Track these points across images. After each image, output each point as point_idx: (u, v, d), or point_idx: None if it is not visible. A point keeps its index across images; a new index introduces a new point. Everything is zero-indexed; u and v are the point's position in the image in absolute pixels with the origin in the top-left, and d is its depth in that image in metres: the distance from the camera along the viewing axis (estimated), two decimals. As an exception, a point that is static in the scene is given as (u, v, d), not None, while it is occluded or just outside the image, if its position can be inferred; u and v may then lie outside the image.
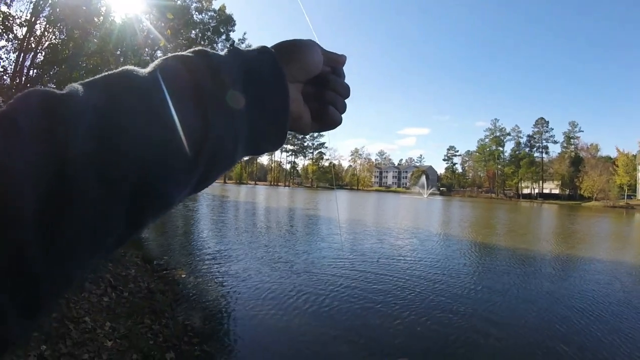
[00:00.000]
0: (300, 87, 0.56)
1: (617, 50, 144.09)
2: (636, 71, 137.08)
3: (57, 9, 8.21)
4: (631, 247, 19.47)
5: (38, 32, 8.31)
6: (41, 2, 8.02)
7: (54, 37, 8.51)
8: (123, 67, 0.40)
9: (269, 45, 0.54)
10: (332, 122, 0.61)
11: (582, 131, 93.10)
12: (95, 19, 9.57)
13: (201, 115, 0.41)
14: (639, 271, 12.12)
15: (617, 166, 73.80)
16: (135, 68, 0.41)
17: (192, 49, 0.47)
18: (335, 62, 0.61)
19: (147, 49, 24.68)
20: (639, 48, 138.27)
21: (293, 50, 0.54)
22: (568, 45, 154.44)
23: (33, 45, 8.16)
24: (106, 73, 0.38)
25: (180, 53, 0.46)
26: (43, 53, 8.43)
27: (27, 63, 8.22)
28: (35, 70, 8.43)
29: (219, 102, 0.43)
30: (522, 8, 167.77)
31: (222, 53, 0.49)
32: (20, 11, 8.01)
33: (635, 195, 72.80)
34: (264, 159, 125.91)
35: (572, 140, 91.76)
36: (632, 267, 12.63)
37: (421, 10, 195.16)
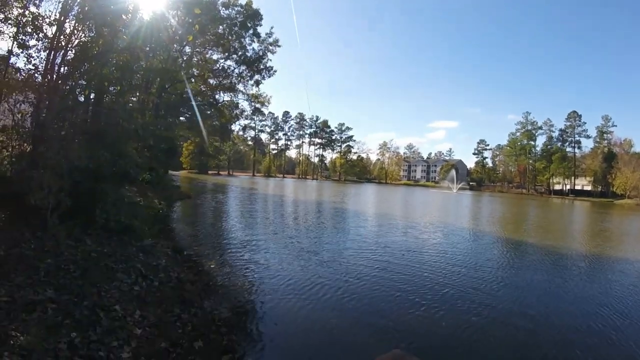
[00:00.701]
0: None
1: None
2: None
3: (86, 8, 8.42)
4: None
5: (67, 31, 8.55)
6: (70, 1, 8.25)
7: (83, 35, 8.73)
8: None
9: None
10: None
11: (616, 126, 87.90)
12: (123, 17, 9.76)
13: None
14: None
15: None
16: None
17: None
18: None
19: (175, 45, 25.23)
20: None
21: None
22: (602, 36, 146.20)
23: (63, 44, 8.40)
24: None
25: None
26: (73, 51, 8.67)
27: (58, 61, 8.47)
28: (66, 68, 8.70)
29: None
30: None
31: None
32: (49, 11, 8.26)
33: (670, 194, 68.78)
34: (292, 153, 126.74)
35: (605, 135, 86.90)
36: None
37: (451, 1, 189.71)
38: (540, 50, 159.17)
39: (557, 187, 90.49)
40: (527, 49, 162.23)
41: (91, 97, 10.41)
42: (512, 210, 36.27)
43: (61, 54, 8.32)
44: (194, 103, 30.84)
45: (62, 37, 8.21)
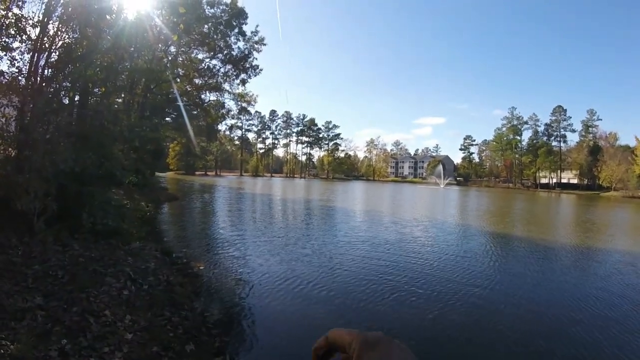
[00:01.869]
0: None
1: (636, 36, 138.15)
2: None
3: (70, 8, 8.29)
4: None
5: (51, 32, 8.39)
6: (53, 2, 8.11)
7: (67, 36, 8.59)
8: None
9: None
10: None
11: (601, 119, 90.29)
12: (107, 17, 9.65)
13: None
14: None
15: (637, 155, 71.08)
16: None
17: None
18: None
19: (160, 45, 24.95)
20: None
21: None
22: (586, 31, 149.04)
23: (47, 46, 8.25)
24: None
25: None
26: (57, 52, 8.53)
27: (42, 63, 8.33)
28: (50, 70, 8.55)
29: None
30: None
31: None
32: (33, 12, 8.08)
33: (655, 185, 70.55)
34: (279, 152, 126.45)
35: (590, 128, 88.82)
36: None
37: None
38: (526, 45, 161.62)
39: (544, 180, 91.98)
40: (513, 44, 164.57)
41: (76, 99, 10.25)
42: (499, 204, 36.81)
43: (45, 56, 8.18)
44: (180, 103, 30.52)
45: (45, 38, 8.07)
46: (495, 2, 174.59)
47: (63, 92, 9.30)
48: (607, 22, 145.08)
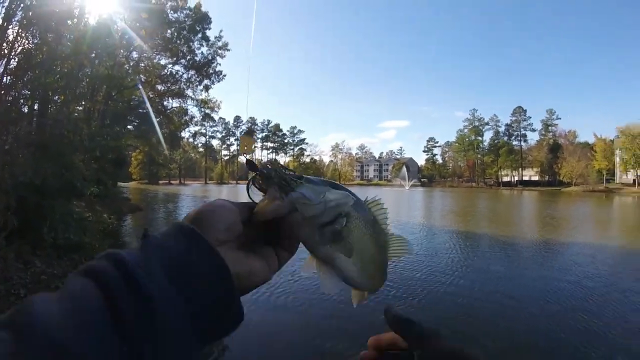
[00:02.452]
0: (233, 245, 0.52)
1: (591, 38, 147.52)
2: (610, 58, 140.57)
3: (30, 13, 7.88)
4: (611, 229, 20.06)
5: (10, 38, 7.97)
6: (13, 6, 7.69)
7: (27, 42, 8.16)
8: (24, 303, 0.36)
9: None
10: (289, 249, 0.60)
11: (560, 119, 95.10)
12: (68, 21, 9.26)
13: (127, 343, 0.36)
14: (614, 250, 12.52)
15: (596, 152, 75.66)
16: (41, 297, 0.36)
17: (101, 254, 0.42)
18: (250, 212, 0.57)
19: (122, 50, 24.12)
20: (612, 36, 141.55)
21: (206, 217, 0.50)
22: (542, 34, 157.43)
23: (6, 52, 7.82)
24: (11, 311, 0.35)
25: (88, 264, 0.41)
26: (16, 59, 8.10)
27: (0, 70, 7.88)
28: (8, 77, 8.10)
29: (144, 319, 0.38)
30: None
31: (135, 250, 0.44)
32: (-8, 17, 7.63)
33: (614, 180, 75.09)
34: (244, 158, 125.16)
35: (550, 127, 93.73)
36: (608, 247, 13.04)
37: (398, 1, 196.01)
38: (485, 47, 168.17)
39: (506, 179, 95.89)
40: (472, 46, 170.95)
41: (35, 107, 9.74)
42: (462, 203, 37.90)
43: (3, 62, 7.73)
44: (150, 109, 29.57)
45: (4, 44, 7.62)
46: (453, 5, 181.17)
47: (22, 100, 8.82)
48: (563, 22, 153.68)
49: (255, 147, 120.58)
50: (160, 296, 0.39)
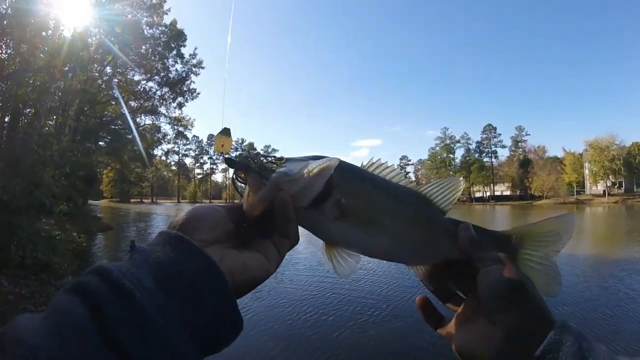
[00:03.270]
0: (226, 245, 0.51)
1: (557, 54, 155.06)
2: (577, 73, 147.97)
3: (5, 22, 7.64)
4: (583, 238, 20.74)
5: (-17, 47, 7.69)
6: (-13, 14, 7.45)
7: (0, 52, 7.89)
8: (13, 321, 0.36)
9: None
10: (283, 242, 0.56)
11: (529, 135, 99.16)
12: (43, 33, 9.02)
13: (116, 353, 0.35)
14: (583, 258, 12.89)
15: (565, 165, 78.99)
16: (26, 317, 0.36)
17: (89, 269, 0.40)
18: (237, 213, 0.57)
19: (96, 65, 23.61)
20: (578, 52, 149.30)
21: (189, 221, 0.50)
22: (509, 51, 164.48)
23: (-22, 60, 7.52)
24: None
25: (75, 281, 0.39)
26: (-12, 68, 7.80)
27: (-29, 79, 7.56)
28: (-21, 87, 7.77)
29: (133, 327, 0.36)
30: (466, 18, 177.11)
31: (123, 262, 0.42)
32: (-36, 25, 7.34)
33: (584, 191, 78.28)
34: (218, 177, 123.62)
35: (519, 143, 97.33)
36: (577, 256, 13.43)
37: (368, 20, 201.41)
38: (453, 66, 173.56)
39: (478, 194, 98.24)
40: (440, 65, 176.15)
41: (5, 120, 9.35)
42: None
43: (-25, 72, 7.42)
44: (129, 120, 28.89)
45: (-23, 53, 7.34)
46: (422, 25, 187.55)
47: (-8, 112, 8.46)
48: (530, 39, 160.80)
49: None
50: (150, 303, 0.38)
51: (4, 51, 7.91)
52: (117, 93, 26.41)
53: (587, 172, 76.58)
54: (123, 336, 0.35)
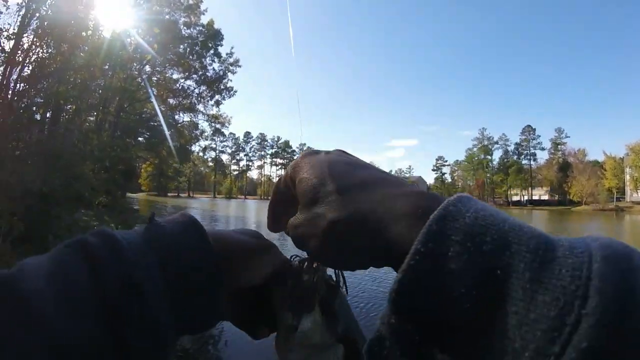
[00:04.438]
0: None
1: (601, 55, 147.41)
2: (620, 76, 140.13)
3: (45, 22, 8.08)
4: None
5: (25, 46, 8.15)
6: (29, 15, 7.89)
7: (41, 50, 8.34)
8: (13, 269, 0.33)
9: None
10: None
11: (569, 137, 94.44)
12: (83, 33, 9.46)
13: (112, 330, 0.32)
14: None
15: (605, 170, 74.69)
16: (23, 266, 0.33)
17: (94, 230, 0.37)
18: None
19: (135, 64, 24.62)
20: (623, 53, 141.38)
21: (238, 256, 0.45)
22: (552, 52, 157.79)
23: (20, 59, 7.99)
24: None
25: (80, 237, 0.36)
26: (30, 67, 8.27)
27: (14, 77, 8.04)
28: (22, 85, 8.26)
29: (131, 307, 0.34)
30: (504, 16, 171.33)
31: (137, 237, 0.38)
32: (8, 24, 7.83)
33: (624, 198, 73.75)
34: (253, 174, 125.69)
35: (559, 146, 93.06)
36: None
37: (404, 19, 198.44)
38: (492, 66, 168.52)
39: (515, 198, 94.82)
40: (478, 65, 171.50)
41: (47, 115, 9.90)
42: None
43: (17, 69, 7.88)
44: (160, 117, 29.92)
45: (19, 52, 7.80)
46: (457, 26, 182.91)
47: (34, 108, 8.97)
48: (573, 41, 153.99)
49: (264, 163, 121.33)
50: (145, 281, 0.35)
51: (44, 50, 8.35)
52: (149, 90, 27.29)
53: (628, 177, 72.12)
54: (124, 317, 0.33)
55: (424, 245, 0.27)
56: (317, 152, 0.45)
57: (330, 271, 0.49)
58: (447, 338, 0.26)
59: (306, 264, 0.49)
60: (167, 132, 32.18)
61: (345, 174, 0.39)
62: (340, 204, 0.37)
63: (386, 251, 0.33)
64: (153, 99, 28.09)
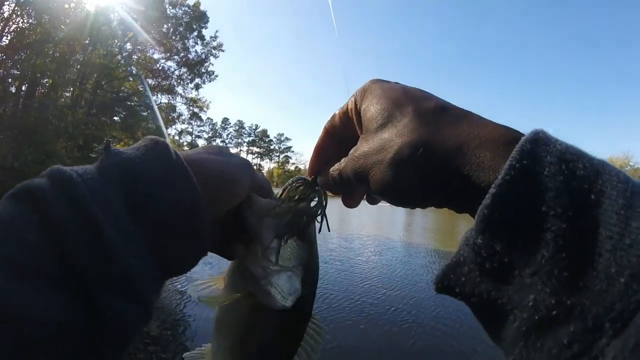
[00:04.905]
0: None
1: (595, 65, 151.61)
2: (597, 89, 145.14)
3: (27, -9, 7.70)
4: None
5: (6, 14, 7.74)
6: (11, -18, 7.49)
7: (22, 20, 7.94)
8: None
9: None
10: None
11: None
12: (66, 5, 9.06)
13: (78, 297, 0.27)
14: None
15: None
16: None
17: (46, 171, 0.30)
18: (260, 190, 0.48)
19: (116, 41, 23.80)
20: (602, 63, 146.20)
21: (218, 184, 0.40)
22: (546, 57, 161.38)
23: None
24: None
25: (26, 183, 0.29)
26: (9, 37, 7.86)
27: (-9, 46, 7.64)
28: (-1, 55, 7.86)
29: (100, 269, 0.28)
30: (506, 13, 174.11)
31: (92, 168, 0.31)
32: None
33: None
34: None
35: None
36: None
37: (409, 13, 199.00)
38: (499, 60, 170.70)
39: None
40: (487, 59, 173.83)
41: (22, 89, 9.45)
42: (445, 224, 38.14)
43: (-5, 39, 7.49)
44: (150, 96, 29.05)
45: (-2, 21, 7.40)
46: (471, 20, 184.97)
47: (10, 80, 8.54)
48: (570, 46, 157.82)
49: (241, 150, 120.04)
50: (115, 236, 0.29)
51: (25, 20, 7.95)
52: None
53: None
54: (88, 281, 0.27)
55: (519, 162, 0.26)
56: (387, 80, 0.40)
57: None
58: (538, 260, 0.24)
59: (302, 188, 0.49)
60: (156, 109, 31.37)
61: (425, 99, 0.36)
62: (417, 127, 0.33)
63: (464, 181, 0.30)
64: (143, 80, 27.31)
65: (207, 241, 0.36)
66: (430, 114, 0.34)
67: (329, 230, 0.50)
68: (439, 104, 0.35)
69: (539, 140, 0.27)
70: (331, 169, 0.41)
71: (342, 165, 0.40)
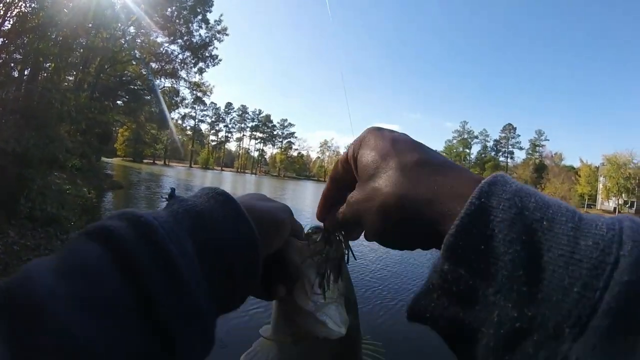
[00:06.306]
0: None
1: (589, 62, 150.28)
2: (604, 85, 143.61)
3: (29, -26, 7.64)
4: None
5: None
6: (13, -34, 7.44)
7: (23, 4, 7.90)
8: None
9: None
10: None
11: (548, 140, 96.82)
12: (68, -12, 8.99)
13: (158, 335, 0.28)
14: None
15: (579, 176, 77.41)
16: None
17: (117, 212, 0.32)
18: (297, 233, 0.54)
19: (119, 24, 23.62)
20: (611, 61, 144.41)
21: (268, 227, 0.45)
22: (541, 53, 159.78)
23: (1, 12, 7.56)
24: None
25: (101, 224, 0.30)
26: (11, 21, 7.83)
27: (-6, 31, 7.62)
28: (1, 39, 7.83)
29: (176, 305, 0.30)
30: (497, 12, 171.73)
31: (163, 212, 0.35)
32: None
33: (595, 205, 76.91)
34: (232, 145, 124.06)
35: (537, 147, 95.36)
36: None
37: (395, 7, 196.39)
38: (480, 61, 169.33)
39: None
40: (467, 59, 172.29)
41: (25, 73, 9.44)
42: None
43: (-2, 23, 7.46)
44: (152, 80, 28.97)
45: (0, 4, 7.35)
46: (451, 17, 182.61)
47: (12, 64, 8.53)
48: (561, 48, 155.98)
49: (244, 135, 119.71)
50: (191, 278, 0.31)
51: (27, 4, 7.91)
52: (133, 56, 26.36)
53: (600, 186, 75.11)
54: (167, 314, 0.29)
55: (477, 199, 0.30)
56: (381, 129, 0.44)
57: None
58: (499, 279, 0.28)
59: (323, 234, 0.53)
60: (158, 93, 31.32)
61: (408, 152, 0.39)
62: (397, 179, 0.37)
63: (436, 228, 0.34)
64: (147, 71, 27.13)
65: (259, 281, 0.41)
66: (409, 168, 0.37)
67: (355, 259, 0.55)
68: (420, 158, 0.38)
69: (497, 182, 0.31)
70: (337, 212, 0.45)
71: (342, 209, 0.44)
